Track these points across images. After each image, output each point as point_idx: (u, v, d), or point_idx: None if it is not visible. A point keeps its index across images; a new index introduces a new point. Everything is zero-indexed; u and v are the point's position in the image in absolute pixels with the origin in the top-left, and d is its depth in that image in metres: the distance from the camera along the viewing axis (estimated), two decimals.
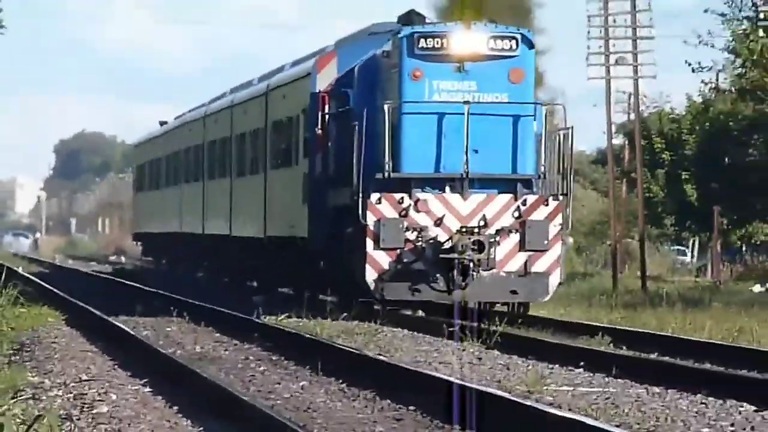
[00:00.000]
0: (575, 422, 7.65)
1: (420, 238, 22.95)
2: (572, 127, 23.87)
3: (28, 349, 17.74)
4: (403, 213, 22.99)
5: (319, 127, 26.89)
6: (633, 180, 55.55)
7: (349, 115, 25.59)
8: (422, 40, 23.28)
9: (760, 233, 64.05)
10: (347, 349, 16.47)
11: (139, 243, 65.17)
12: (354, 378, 13.25)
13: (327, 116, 26.82)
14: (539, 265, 23.28)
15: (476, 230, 22.87)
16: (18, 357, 16.64)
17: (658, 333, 21.58)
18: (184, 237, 46.96)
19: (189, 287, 37.09)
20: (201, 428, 9.42)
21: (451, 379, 11.30)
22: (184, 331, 22.08)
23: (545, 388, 12.47)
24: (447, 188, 23.41)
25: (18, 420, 8.10)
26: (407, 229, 22.97)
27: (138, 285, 37.20)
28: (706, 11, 43.28)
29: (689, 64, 45.35)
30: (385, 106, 23.10)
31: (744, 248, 68.09)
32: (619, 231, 54.52)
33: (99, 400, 11.18)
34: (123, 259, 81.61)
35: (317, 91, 27.35)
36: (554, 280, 23.47)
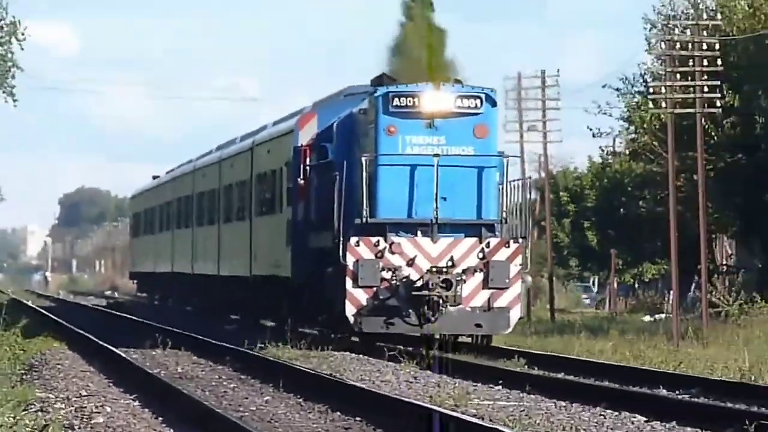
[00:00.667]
0: (495, 430, 8.17)
1: (394, 277, 21.56)
2: (530, 178, 22.55)
3: (37, 370, 18.01)
4: (379, 254, 21.62)
5: (302, 177, 25.25)
6: (543, 228, 56.24)
7: (328, 167, 24.08)
8: (396, 98, 22.01)
9: (648, 272, 65.63)
10: (304, 369, 16.74)
11: (134, 281, 62.41)
12: (309, 394, 13.74)
13: (308, 168, 25.20)
14: (501, 301, 21.91)
15: (445, 270, 21.49)
16: (28, 376, 16.89)
17: (565, 356, 21.61)
18: (175, 276, 44.92)
19: (174, 318, 36.16)
20: None
21: (391, 394, 12.57)
22: (167, 354, 21.84)
23: (470, 401, 12.83)
24: (418, 232, 22.01)
25: (28, 429, 8.53)
26: (383, 269, 21.56)
27: (129, 316, 36.75)
28: (604, 86, 44.56)
29: (591, 130, 46.76)
30: (363, 159, 21.78)
31: (636, 285, 69.39)
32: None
33: (96, 412, 11.39)
34: (116, 294, 79.99)
35: (299, 145, 25.74)
36: (515, 314, 22.14)
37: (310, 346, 21.92)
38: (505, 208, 22.76)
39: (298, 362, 18.74)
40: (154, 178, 53.01)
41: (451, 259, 21.78)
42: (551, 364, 19.53)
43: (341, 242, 21.71)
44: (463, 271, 21.65)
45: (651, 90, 39.00)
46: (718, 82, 34.23)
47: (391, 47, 25.37)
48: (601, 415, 11.56)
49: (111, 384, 16.03)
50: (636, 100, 43.96)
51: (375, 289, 21.73)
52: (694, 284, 50.30)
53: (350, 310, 21.70)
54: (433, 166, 21.56)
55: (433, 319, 21.42)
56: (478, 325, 22.08)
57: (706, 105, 33.54)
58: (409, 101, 22.16)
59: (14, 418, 9.06)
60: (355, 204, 21.94)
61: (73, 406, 11.66)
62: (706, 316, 34.34)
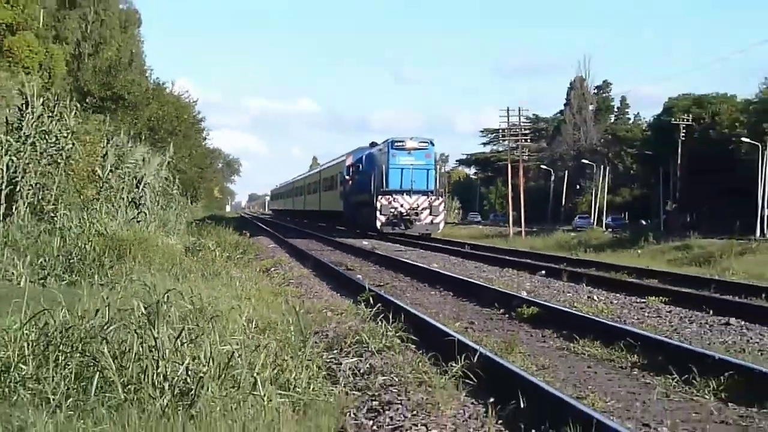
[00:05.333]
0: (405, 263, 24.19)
1: (394, 211, 35.94)
2: (447, 172, 41.79)
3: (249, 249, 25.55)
4: (389, 202, 36.05)
5: (348, 176, 41.76)
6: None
7: (361, 172, 40.05)
8: (396, 143, 36.53)
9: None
10: (355, 246, 29.57)
11: (270, 211, 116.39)
12: (361, 255, 25.84)
13: (349, 173, 41.85)
14: (435, 221, 37.18)
15: (414, 208, 36.42)
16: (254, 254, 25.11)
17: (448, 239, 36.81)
18: (297, 211, 72.18)
19: (296, 227, 52.84)
20: (329, 285, 17.22)
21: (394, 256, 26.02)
22: (303, 238, 36.99)
23: (407, 252, 28.03)
24: (404, 194, 36.27)
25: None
26: (390, 208, 35.98)
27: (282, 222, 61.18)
28: None
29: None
30: (383, 166, 36.30)
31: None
32: None
33: (288, 267, 21.74)
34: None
35: (347, 165, 42.45)
36: (441, 226, 38.14)
37: (355, 237, 36.65)
38: (437, 185, 36.98)
39: (352, 241, 31.96)
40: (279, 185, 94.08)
41: (417, 204, 36.55)
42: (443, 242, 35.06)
43: (375, 197, 36.06)
44: (422, 209, 36.59)
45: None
46: None
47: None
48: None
49: (286, 253, 27.54)
50: None
51: (387, 215, 36.02)
52: None
53: (378, 223, 36.07)
54: (410, 169, 36.29)
55: (410, 227, 36.33)
56: (427, 231, 36.96)
57: None
58: (401, 144, 36.52)
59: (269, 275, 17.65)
60: (379, 183, 36.02)
61: (286, 274, 19.53)
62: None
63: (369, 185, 37.08)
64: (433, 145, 35.89)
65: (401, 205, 34.83)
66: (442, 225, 36.93)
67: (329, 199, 48.88)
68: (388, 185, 34.54)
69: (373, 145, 41.57)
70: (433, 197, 35.04)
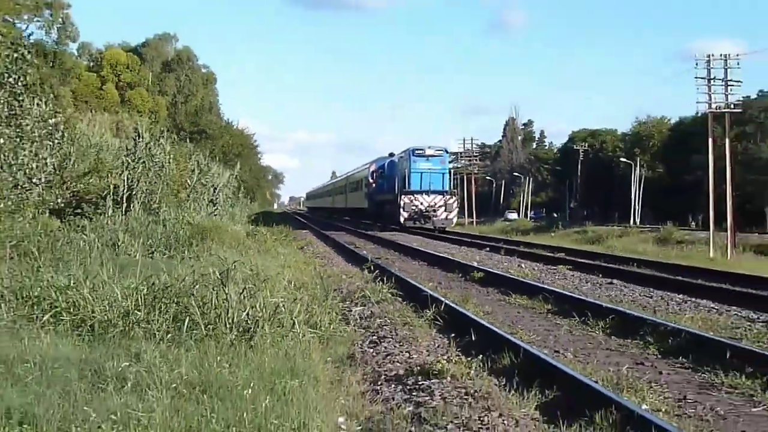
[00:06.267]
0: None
1: (415, 208, 28.78)
2: (458, 175, 32.89)
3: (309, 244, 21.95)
4: (410, 200, 28.88)
5: (372, 180, 35.63)
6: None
7: (382, 176, 34.14)
8: (416, 151, 29.06)
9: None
10: (383, 237, 23.84)
11: (306, 209, 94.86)
12: (382, 244, 21.36)
13: (373, 178, 35.68)
14: (450, 217, 29.57)
15: (432, 206, 28.88)
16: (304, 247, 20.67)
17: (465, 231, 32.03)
18: (327, 208, 59.74)
19: (328, 220, 47.06)
20: (344, 258, 17.04)
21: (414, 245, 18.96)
22: (335, 231, 29.98)
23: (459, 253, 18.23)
24: (423, 194, 28.86)
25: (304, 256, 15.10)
26: (412, 205, 28.84)
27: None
28: None
29: None
30: (405, 170, 29.10)
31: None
32: None
33: (318, 254, 18.41)
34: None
35: (371, 171, 36.15)
36: (454, 222, 30.43)
37: (373, 229, 29.88)
38: (450, 186, 29.58)
39: (375, 233, 26.52)
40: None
41: (434, 202, 28.91)
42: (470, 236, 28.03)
43: (399, 196, 29.00)
44: (438, 207, 28.84)
45: None
46: None
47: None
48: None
49: (318, 239, 24.62)
50: None
51: (409, 212, 28.81)
52: None
53: (402, 218, 28.92)
54: (428, 173, 28.72)
55: (428, 222, 28.96)
56: (442, 225, 29.27)
57: None
58: (421, 152, 29.08)
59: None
60: (402, 184, 29.08)
61: (313, 252, 18.44)
62: None
63: (392, 186, 31.91)
64: (447, 153, 30.51)
65: (421, 204, 29.23)
66: (455, 220, 30.56)
67: (354, 198, 44.41)
68: (410, 186, 28.97)
69: (391, 155, 37.01)
70: (448, 196, 29.60)
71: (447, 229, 29.53)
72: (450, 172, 28.89)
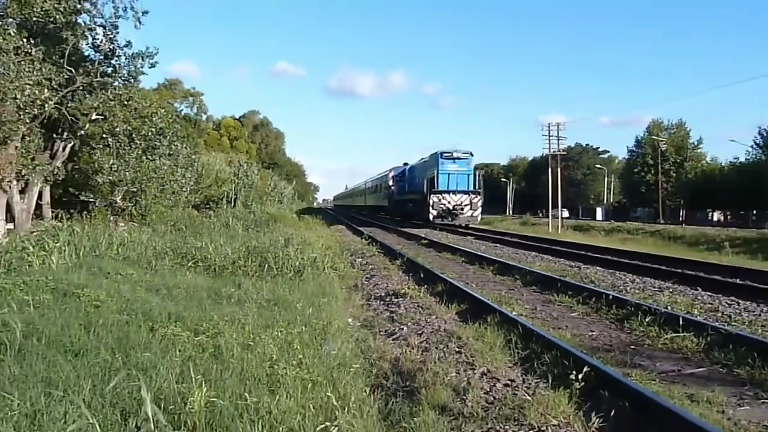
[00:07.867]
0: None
1: (443, 206, 27.87)
2: (483, 175, 29.34)
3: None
4: (439, 199, 27.94)
5: (392, 184, 37.18)
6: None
7: (401, 180, 34.82)
8: (445, 153, 28.02)
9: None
10: (409, 232, 23.84)
11: (332, 205, 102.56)
12: (413, 240, 20.74)
13: (391, 182, 37.38)
14: (475, 214, 28.32)
15: (458, 204, 27.85)
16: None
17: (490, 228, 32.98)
18: (351, 206, 65.95)
19: (353, 217, 46.42)
20: (353, 233, 23.03)
21: (443, 241, 18.82)
22: (371, 230, 26.55)
23: (472, 244, 18.56)
24: (450, 193, 27.98)
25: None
26: (440, 204, 27.91)
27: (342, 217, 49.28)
28: None
29: None
30: (434, 171, 27.88)
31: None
32: None
33: (338, 232, 23.65)
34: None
35: (390, 176, 37.85)
36: (479, 219, 28.92)
37: (408, 227, 28.36)
38: (475, 186, 28.25)
39: (413, 231, 25.13)
40: (346, 187, 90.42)
41: (461, 201, 27.85)
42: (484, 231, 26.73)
43: (428, 196, 27.86)
44: (464, 205, 27.76)
45: None
46: None
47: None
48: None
49: (349, 231, 25.70)
50: None
51: (438, 210, 27.76)
52: None
53: (431, 216, 27.80)
54: (455, 174, 27.79)
55: (455, 219, 27.88)
56: (468, 222, 28.25)
57: None
58: (448, 154, 28.03)
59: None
60: (431, 184, 27.98)
61: (351, 255, 15.21)
62: None
63: (415, 187, 31.36)
64: (472, 155, 28.90)
65: (448, 202, 27.92)
66: (479, 218, 29.26)
67: (372, 198, 46.69)
68: (438, 186, 27.79)
69: (406, 164, 37.35)
70: (473, 195, 28.17)
71: (471, 225, 29.10)
72: (475, 174, 28.30)
